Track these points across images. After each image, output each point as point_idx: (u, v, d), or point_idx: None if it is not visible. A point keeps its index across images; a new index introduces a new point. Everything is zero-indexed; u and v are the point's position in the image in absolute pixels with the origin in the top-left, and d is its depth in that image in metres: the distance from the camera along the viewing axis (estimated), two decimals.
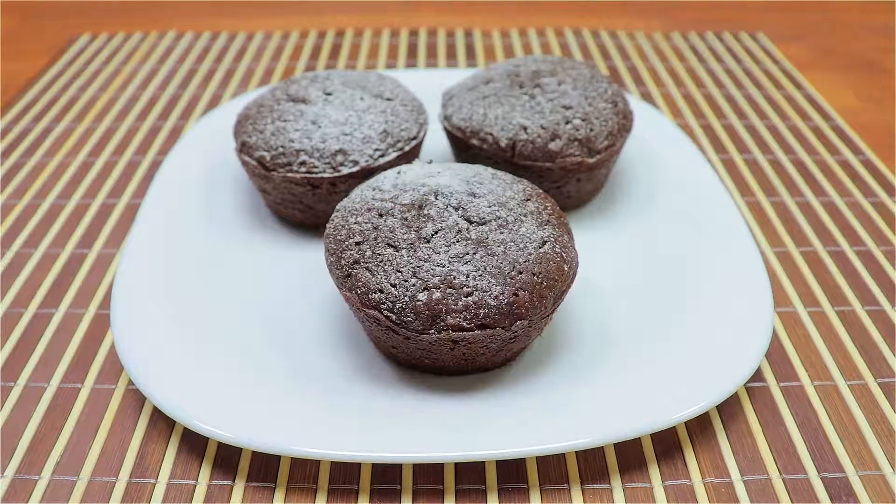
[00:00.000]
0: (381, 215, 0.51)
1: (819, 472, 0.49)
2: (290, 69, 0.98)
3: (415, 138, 0.65)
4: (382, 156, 0.62)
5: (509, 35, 1.06)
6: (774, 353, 0.58)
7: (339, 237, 0.52)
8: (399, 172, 0.54)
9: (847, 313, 0.61)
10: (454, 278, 0.48)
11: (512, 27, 1.08)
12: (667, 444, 0.51)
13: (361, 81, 0.66)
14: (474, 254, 0.49)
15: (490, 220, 0.50)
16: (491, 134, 0.64)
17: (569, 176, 0.65)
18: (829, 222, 0.71)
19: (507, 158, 0.64)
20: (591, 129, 0.64)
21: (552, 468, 0.50)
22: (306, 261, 0.63)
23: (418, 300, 0.48)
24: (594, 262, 0.61)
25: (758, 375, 0.56)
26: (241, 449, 0.50)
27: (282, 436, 0.47)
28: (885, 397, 0.54)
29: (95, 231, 0.70)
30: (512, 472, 0.49)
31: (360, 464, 0.50)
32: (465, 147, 0.66)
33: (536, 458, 0.50)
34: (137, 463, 0.50)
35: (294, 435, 0.47)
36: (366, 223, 0.51)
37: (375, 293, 0.49)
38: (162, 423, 0.52)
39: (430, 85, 0.78)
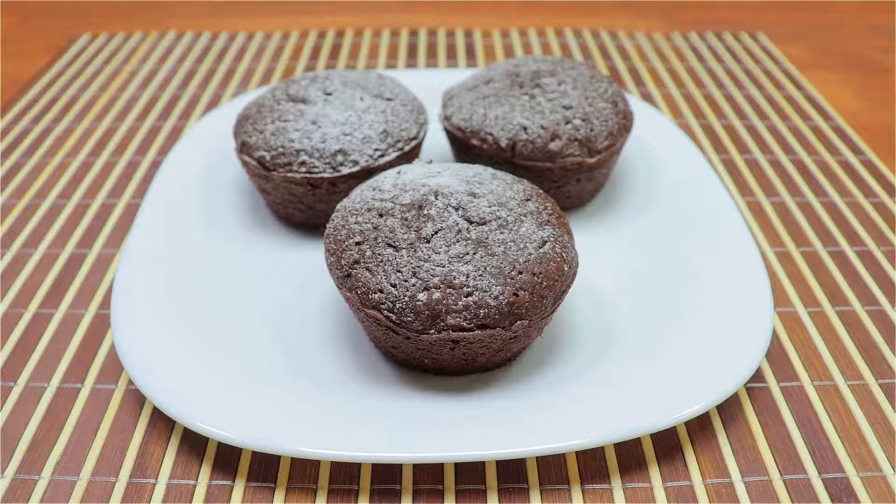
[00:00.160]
0: (381, 215, 0.51)
1: (819, 473, 0.49)
2: (290, 69, 0.98)
3: (415, 138, 0.65)
4: (382, 156, 0.62)
5: (509, 35, 1.06)
6: (774, 353, 0.58)
7: (339, 237, 0.52)
8: (399, 172, 0.54)
9: (847, 313, 0.61)
10: (454, 278, 0.48)
11: (512, 27, 1.08)
12: (667, 444, 0.51)
13: (361, 81, 0.66)
14: (474, 254, 0.49)
15: (490, 220, 0.50)
16: (491, 134, 0.64)
17: (569, 176, 0.65)
18: (829, 222, 0.71)
19: (507, 158, 0.64)
20: (591, 129, 0.64)
21: (552, 468, 0.49)
22: (306, 261, 0.63)
23: (418, 300, 0.48)
24: (594, 262, 0.61)
25: (758, 375, 0.56)
26: (241, 449, 0.50)
27: (282, 436, 0.47)
28: (886, 397, 0.54)
29: (95, 231, 0.70)
30: (512, 472, 0.49)
31: (360, 464, 0.49)
32: (465, 147, 0.66)
33: (536, 458, 0.50)
34: (137, 463, 0.50)
35: (294, 435, 0.47)
36: (366, 223, 0.51)
37: (375, 293, 0.49)
38: (162, 423, 0.52)
39: (430, 85, 0.78)
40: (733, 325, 0.54)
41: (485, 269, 0.48)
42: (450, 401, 0.51)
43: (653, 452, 0.50)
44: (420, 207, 0.50)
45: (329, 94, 0.64)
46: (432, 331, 0.48)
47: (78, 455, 0.50)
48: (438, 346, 0.49)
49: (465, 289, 0.48)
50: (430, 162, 0.56)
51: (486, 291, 0.48)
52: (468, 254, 0.48)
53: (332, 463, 0.50)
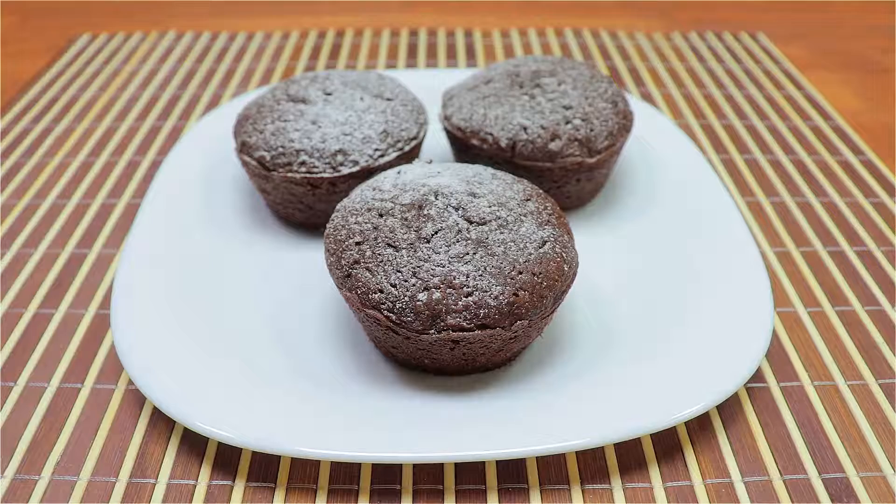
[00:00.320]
0: (381, 215, 0.51)
1: (819, 473, 0.49)
2: (290, 69, 0.98)
3: (415, 138, 0.65)
4: (382, 156, 0.62)
5: (509, 35, 1.06)
6: (774, 353, 0.58)
7: (339, 237, 0.52)
8: (399, 172, 0.54)
9: (847, 313, 0.61)
10: (454, 278, 0.48)
11: (512, 27, 1.08)
12: (667, 444, 0.51)
13: (361, 81, 0.66)
14: (474, 254, 0.49)
15: (490, 220, 0.50)
16: (491, 134, 0.64)
17: (569, 176, 0.65)
18: (829, 222, 0.71)
19: (507, 158, 0.64)
20: (591, 129, 0.64)
21: (552, 468, 0.49)
22: (306, 261, 0.63)
23: (418, 300, 0.48)
24: (594, 262, 0.61)
25: (758, 375, 0.56)
26: (241, 449, 0.50)
27: (282, 436, 0.47)
28: (886, 398, 0.54)
29: (95, 231, 0.70)
30: (512, 472, 0.49)
31: (360, 464, 0.49)
32: (465, 147, 0.66)
33: (536, 458, 0.50)
34: (137, 463, 0.50)
35: (294, 435, 0.47)
36: (366, 223, 0.51)
37: (375, 293, 0.49)
38: (162, 423, 0.52)
39: (430, 85, 0.78)
40: (733, 325, 0.54)
41: (485, 269, 0.48)
42: (450, 401, 0.51)
43: (653, 452, 0.50)
44: (420, 207, 0.50)
45: (329, 94, 0.64)
46: (432, 331, 0.48)
47: (78, 455, 0.50)
48: (438, 346, 0.49)
49: (465, 289, 0.48)
50: (430, 162, 0.56)
51: (486, 291, 0.48)
52: (468, 254, 0.48)
53: (332, 463, 0.50)
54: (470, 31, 1.07)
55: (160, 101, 0.91)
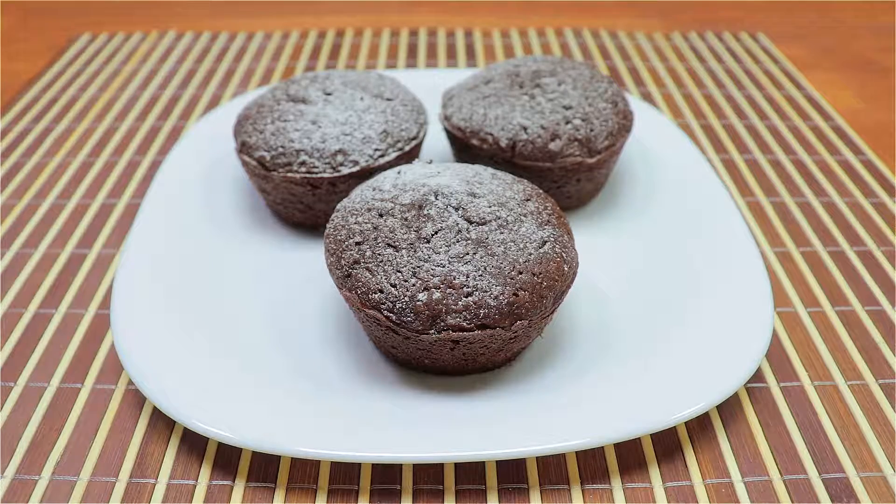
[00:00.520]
0: (381, 215, 0.51)
1: (819, 473, 0.49)
2: (290, 69, 0.98)
3: (415, 138, 0.65)
4: (382, 156, 0.62)
5: (509, 35, 1.06)
6: (774, 353, 0.58)
7: (339, 237, 0.52)
8: (399, 172, 0.54)
9: (847, 313, 0.61)
10: (454, 278, 0.48)
11: (512, 27, 1.08)
12: (667, 444, 0.51)
13: (361, 81, 0.66)
14: (474, 254, 0.49)
15: (490, 220, 0.50)
16: (491, 134, 0.64)
17: (569, 176, 0.65)
18: (829, 222, 0.71)
19: (507, 158, 0.64)
20: (591, 129, 0.64)
21: (552, 468, 0.49)
22: (306, 261, 0.63)
23: (418, 300, 0.48)
24: (594, 262, 0.61)
25: (758, 375, 0.56)
26: (241, 449, 0.50)
27: (282, 436, 0.47)
28: (886, 398, 0.54)
29: (95, 231, 0.70)
30: (512, 472, 0.49)
31: (360, 464, 0.49)
32: (465, 147, 0.66)
33: (536, 458, 0.50)
34: (137, 463, 0.50)
35: (294, 435, 0.47)
36: (366, 223, 0.51)
37: (375, 293, 0.49)
38: (162, 423, 0.52)
39: (430, 85, 0.78)
40: (733, 325, 0.54)
41: (485, 269, 0.48)
42: (450, 401, 0.51)
43: (653, 452, 0.50)
44: (420, 207, 0.50)
45: (329, 94, 0.64)
46: (432, 331, 0.48)
47: (78, 455, 0.50)
48: (438, 347, 0.49)
49: (465, 289, 0.48)
50: (430, 162, 0.56)
51: (486, 291, 0.48)
52: (468, 254, 0.48)
53: (332, 463, 0.50)
54: (470, 31, 1.07)
55: (160, 101, 0.91)
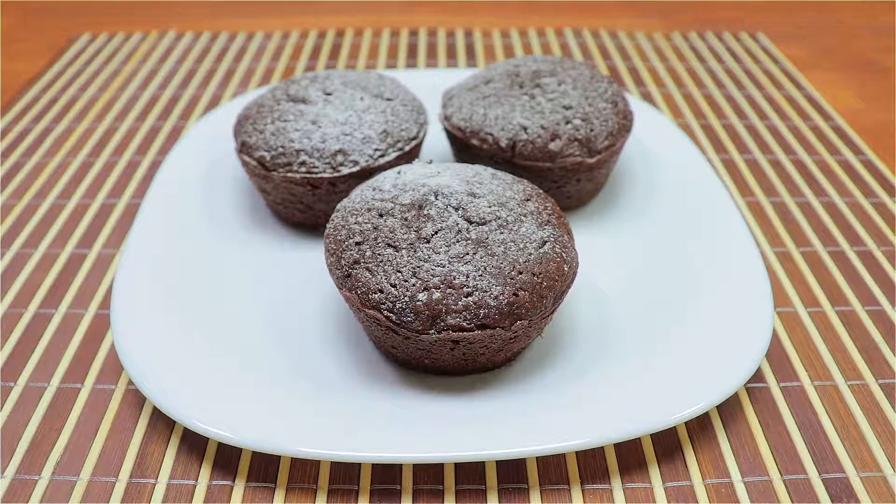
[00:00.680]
0: (381, 215, 0.51)
1: (819, 473, 0.49)
2: (290, 69, 0.98)
3: (415, 138, 0.65)
4: (382, 156, 0.62)
5: (509, 35, 1.06)
6: (774, 353, 0.58)
7: (339, 237, 0.52)
8: (399, 172, 0.54)
9: (847, 313, 0.61)
10: (454, 278, 0.48)
11: (512, 27, 1.08)
12: (667, 444, 0.51)
13: (361, 81, 0.66)
14: (474, 254, 0.49)
15: (490, 221, 0.50)
16: (491, 134, 0.64)
17: (569, 176, 0.65)
18: (829, 222, 0.71)
19: (507, 158, 0.64)
20: (591, 129, 0.64)
21: (552, 468, 0.49)
22: (306, 261, 0.63)
23: (418, 300, 0.48)
24: (594, 262, 0.61)
25: (758, 375, 0.56)
26: (241, 449, 0.50)
27: (282, 436, 0.47)
28: (886, 398, 0.54)
29: (95, 231, 0.70)
30: (512, 472, 0.49)
31: (360, 464, 0.49)
32: (465, 147, 0.66)
33: (536, 458, 0.50)
34: (137, 463, 0.50)
35: (294, 435, 0.47)
36: (366, 223, 0.51)
37: (375, 293, 0.49)
38: (162, 423, 0.52)
39: (430, 85, 0.78)
40: (733, 325, 0.54)
41: (485, 269, 0.48)
42: (450, 401, 0.51)
43: (653, 452, 0.50)
44: (420, 207, 0.50)
45: (329, 94, 0.64)
46: (432, 331, 0.48)
47: (78, 455, 0.50)
48: (438, 347, 0.49)
49: (465, 289, 0.48)
50: (430, 162, 0.56)
51: (486, 291, 0.48)
52: (468, 254, 0.48)
53: (332, 463, 0.50)
54: (470, 31, 1.07)
55: (160, 101, 0.91)
